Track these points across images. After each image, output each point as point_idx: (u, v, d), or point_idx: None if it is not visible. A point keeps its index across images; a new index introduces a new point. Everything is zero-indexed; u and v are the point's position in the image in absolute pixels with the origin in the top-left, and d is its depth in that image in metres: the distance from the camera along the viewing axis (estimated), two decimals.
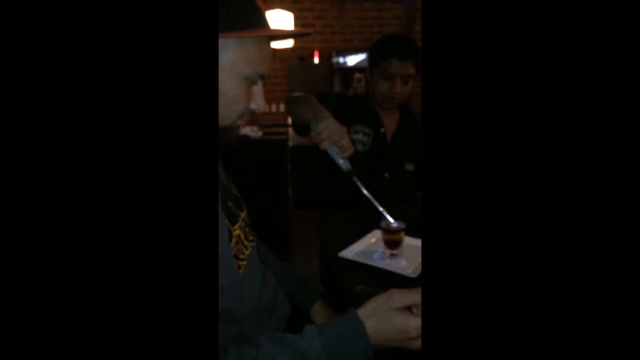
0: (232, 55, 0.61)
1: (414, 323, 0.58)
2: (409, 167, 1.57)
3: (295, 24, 3.26)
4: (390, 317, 0.58)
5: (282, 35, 0.72)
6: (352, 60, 4.08)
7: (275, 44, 3.02)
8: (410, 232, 1.09)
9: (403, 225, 1.05)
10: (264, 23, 0.64)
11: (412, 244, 1.10)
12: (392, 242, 1.05)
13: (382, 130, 1.54)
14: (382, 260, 1.06)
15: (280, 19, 2.98)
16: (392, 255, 1.05)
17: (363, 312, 0.60)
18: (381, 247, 1.09)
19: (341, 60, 4.10)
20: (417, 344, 0.58)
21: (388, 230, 1.05)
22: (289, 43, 3.10)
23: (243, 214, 0.81)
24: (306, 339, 0.57)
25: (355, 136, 1.50)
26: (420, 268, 0.99)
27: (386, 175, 1.54)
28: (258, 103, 0.68)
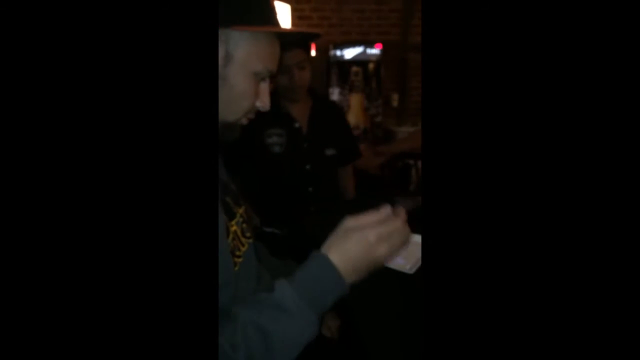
0: (245, 50, 0.62)
1: (372, 231, 0.57)
2: (330, 152, 1.60)
3: (292, 16, 3.23)
4: (347, 235, 0.58)
5: (293, 34, 0.73)
6: (350, 53, 4.05)
7: None
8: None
9: None
10: (276, 21, 0.65)
11: (410, 240, 1.09)
12: None
13: (297, 125, 1.56)
14: None
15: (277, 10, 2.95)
16: None
17: (323, 248, 0.59)
18: None
19: (338, 53, 4.08)
20: (382, 250, 0.57)
21: None
22: None
23: (241, 210, 0.79)
24: (278, 291, 0.56)
25: (269, 140, 1.53)
26: (417, 264, 0.98)
27: (307, 167, 1.57)
28: (264, 101, 0.68)
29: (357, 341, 0.91)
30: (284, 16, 2.99)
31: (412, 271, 0.96)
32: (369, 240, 0.57)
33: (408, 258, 1.02)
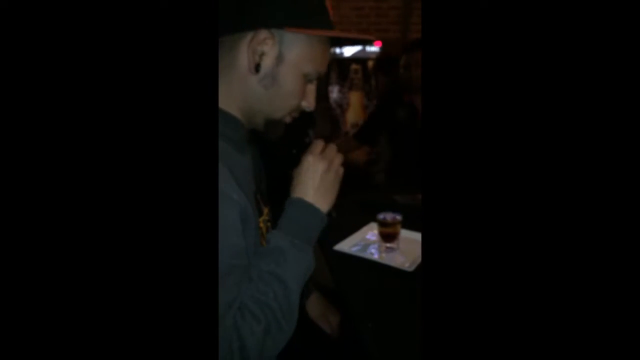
0: (298, 52, 0.63)
1: (307, 157, 0.69)
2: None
3: None
4: (297, 174, 0.69)
5: (346, 39, 0.73)
6: (349, 51, 4.05)
7: None
8: (407, 225, 1.08)
9: (399, 218, 1.04)
10: (331, 25, 0.66)
11: (409, 237, 1.10)
12: (388, 235, 1.04)
13: None
14: (378, 253, 1.05)
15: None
16: (388, 249, 1.05)
17: (291, 194, 0.70)
18: (377, 240, 1.08)
19: (337, 50, 4.07)
20: (322, 163, 0.67)
21: (384, 223, 1.04)
22: None
23: (267, 209, 0.80)
24: (273, 240, 0.65)
25: None
26: (417, 261, 0.98)
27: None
28: (309, 101, 0.70)
29: (357, 338, 0.91)
30: None
31: (411, 269, 0.96)
32: (309, 161, 0.69)
33: (407, 255, 1.02)
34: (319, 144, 0.70)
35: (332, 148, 0.70)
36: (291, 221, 0.66)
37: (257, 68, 0.62)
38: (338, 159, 0.70)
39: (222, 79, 0.64)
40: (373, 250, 1.06)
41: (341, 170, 0.70)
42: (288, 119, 0.71)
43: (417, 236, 1.10)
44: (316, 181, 0.68)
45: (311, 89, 0.69)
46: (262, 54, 0.61)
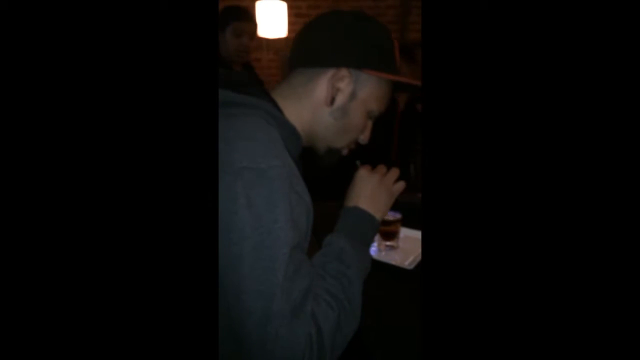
0: (369, 91, 0.71)
1: (360, 171, 0.77)
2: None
3: (289, 14, 3.21)
4: (351, 188, 0.76)
5: (407, 84, 0.81)
6: None
7: (269, 34, 2.98)
8: (407, 223, 1.08)
9: (399, 217, 1.04)
10: (397, 71, 0.74)
11: (409, 235, 1.10)
12: (388, 234, 1.05)
13: None
14: (378, 252, 1.05)
15: (272, 9, 2.94)
16: (387, 247, 1.05)
17: (348, 202, 0.77)
18: (377, 238, 1.08)
19: None
20: (374, 177, 0.76)
21: (384, 221, 1.04)
22: (282, 33, 3.06)
23: None
24: (334, 241, 0.68)
25: None
26: (417, 260, 0.98)
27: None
28: (366, 136, 0.78)
29: (356, 336, 0.91)
30: (280, 14, 2.98)
31: (411, 267, 0.96)
32: (361, 174, 0.76)
33: (407, 253, 1.02)
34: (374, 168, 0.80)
35: (386, 169, 0.80)
36: (348, 225, 0.73)
37: (332, 101, 0.69)
38: (391, 174, 0.78)
39: (294, 103, 0.71)
40: (373, 248, 1.06)
41: (392, 186, 0.78)
42: (345, 151, 0.78)
43: (417, 234, 1.10)
44: (368, 191, 0.75)
45: (369, 124, 0.77)
46: (338, 89, 0.69)
